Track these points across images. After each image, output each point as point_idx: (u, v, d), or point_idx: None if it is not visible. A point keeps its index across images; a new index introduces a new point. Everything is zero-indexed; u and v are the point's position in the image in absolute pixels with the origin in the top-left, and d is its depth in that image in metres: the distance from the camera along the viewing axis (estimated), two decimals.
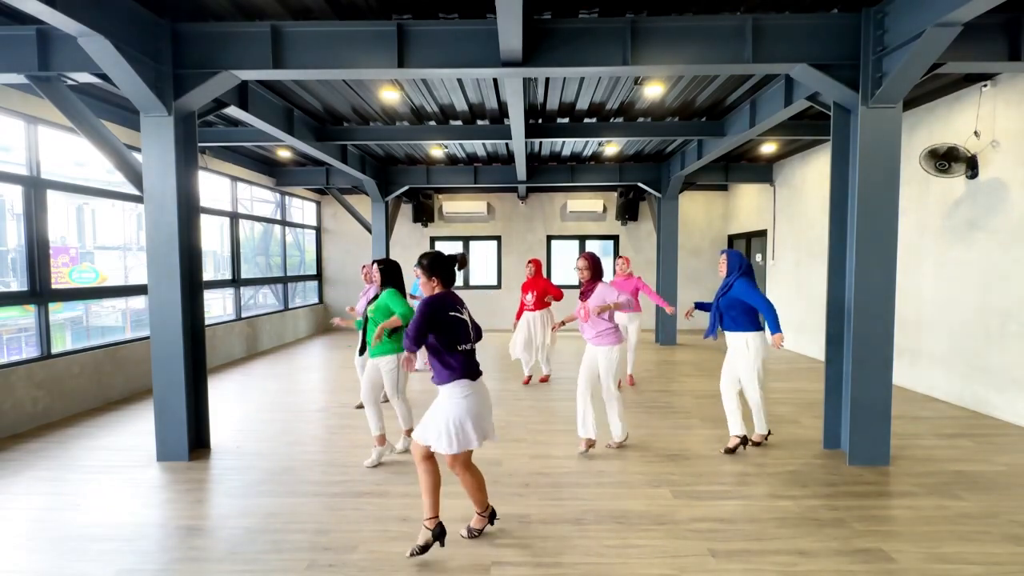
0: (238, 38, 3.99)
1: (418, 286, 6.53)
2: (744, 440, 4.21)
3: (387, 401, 4.39)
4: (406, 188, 9.88)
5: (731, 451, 4.18)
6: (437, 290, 2.75)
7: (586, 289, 4.12)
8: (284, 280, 10.47)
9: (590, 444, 4.18)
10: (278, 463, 4.04)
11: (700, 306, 4.43)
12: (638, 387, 6.36)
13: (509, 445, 4.39)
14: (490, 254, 12.03)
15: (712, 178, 9.53)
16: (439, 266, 2.74)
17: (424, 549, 2.70)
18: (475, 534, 2.92)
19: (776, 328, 3.91)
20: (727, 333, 4.18)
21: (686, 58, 3.98)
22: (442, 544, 2.75)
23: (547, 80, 5.38)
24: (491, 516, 2.98)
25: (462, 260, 2.86)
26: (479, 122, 6.75)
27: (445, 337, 2.64)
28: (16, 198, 5.13)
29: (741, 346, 4.09)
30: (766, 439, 4.35)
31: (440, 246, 11.93)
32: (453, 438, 2.62)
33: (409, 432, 4.13)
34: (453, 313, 2.68)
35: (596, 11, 4.04)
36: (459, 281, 11.72)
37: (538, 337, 6.39)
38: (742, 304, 4.01)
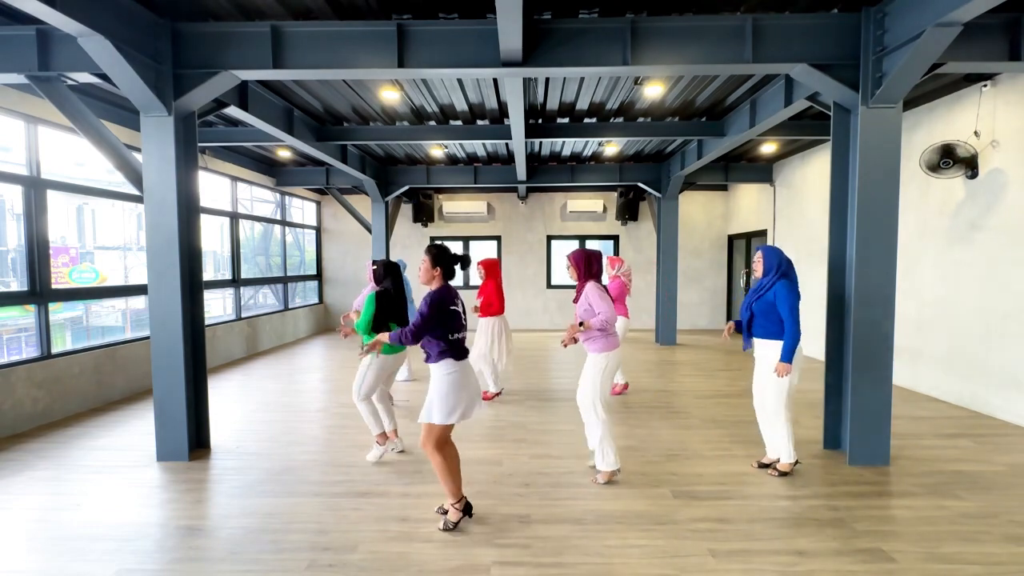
0: (238, 38, 3.99)
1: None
2: (796, 462, 3.77)
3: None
4: (406, 188, 9.88)
5: (765, 466, 3.84)
6: (437, 281, 3.01)
7: (578, 291, 3.65)
8: (284, 280, 10.47)
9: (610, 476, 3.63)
10: (278, 463, 4.04)
11: (741, 325, 3.87)
12: (637, 388, 6.35)
13: (509, 445, 4.39)
14: (490, 254, 12.03)
15: (712, 178, 9.53)
16: (444, 259, 3.01)
17: (456, 524, 2.99)
18: (450, 527, 2.97)
19: (788, 356, 3.48)
20: (756, 340, 3.74)
21: (686, 58, 3.98)
22: (470, 517, 3.06)
23: (547, 80, 5.38)
24: (467, 508, 3.04)
25: (465, 260, 3.10)
26: (479, 122, 6.75)
27: (443, 327, 2.92)
28: (16, 198, 5.13)
29: (772, 357, 3.62)
30: (794, 467, 3.76)
31: None
32: (434, 410, 2.91)
33: (381, 437, 4.06)
34: (453, 307, 2.96)
35: (596, 11, 4.04)
36: (459, 281, 11.87)
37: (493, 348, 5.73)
38: (777, 309, 3.58)
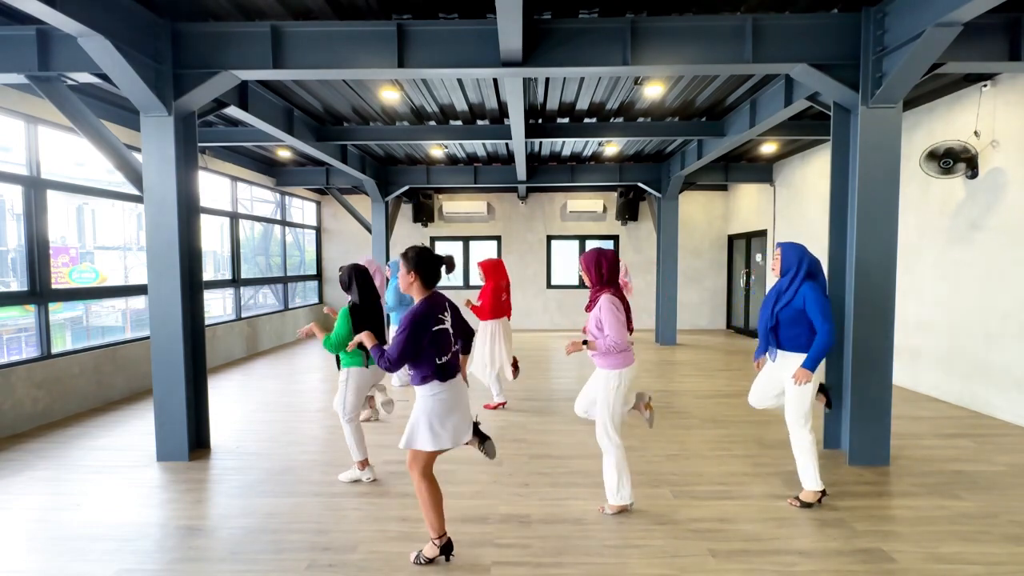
0: (238, 38, 3.99)
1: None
2: (824, 492, 3.32)
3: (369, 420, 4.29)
4: (406, 188, 9.88)
5: (808, 505, 3.27)
6: (415, 287, 2.59)
7: (591, 298, 3.17)
8: (284, 280, 10.47)
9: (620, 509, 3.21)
10: (278, 463, 4.04)
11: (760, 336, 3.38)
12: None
13: (509, 445, 4.39)
14: (490, 254, 12.03)
15: (712, 178, 9.53)
16: (422, 263, 2.58)
17: (431, 561, 2.67)
18: (422, 561, 2.65)
19: (813, 363, 3.06)
20: (780, 352, 3.27)
21: (686, 58, 3.98)
22: (448, 559, 2.68)
23: (547, 80, 5.38)
24: (446, 548, 2.65)
25: (450, 263, 2.70)
26: (479, 122, 6.75)
27: (427, 352, 2.53)
28: (16, 198, 5.13)
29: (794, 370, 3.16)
30: (821, 499, 3.27)
31: (440, 246, 11.94)
32: (416, 435, 2.57)
33: (362, 464, 3.67)
34: (437, 326, 2.55)
35: (596, 11, 4.04)
36: (459, 282, 11.85)
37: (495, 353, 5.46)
38: (807, 317, 3.13)
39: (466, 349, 2.83)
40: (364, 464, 3.68)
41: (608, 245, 11.94)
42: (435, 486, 2.65)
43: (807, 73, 3.97)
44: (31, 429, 4.87)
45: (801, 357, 3.15)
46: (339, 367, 3.65)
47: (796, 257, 3.20)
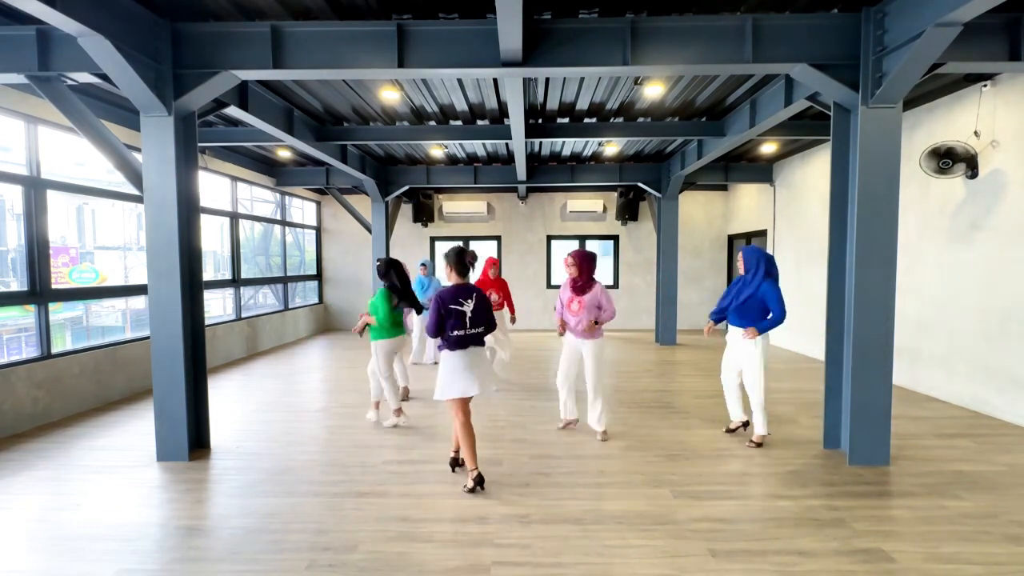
0: (238, 38, 3.99)
1: (420, 284, 7.06)
2: (746, 424, 4.58)
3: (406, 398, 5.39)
4: (406, 188, 9.87)
5: (732, 431, 4.62)
6: (452, 278, 3.52)
7: (583, 284, 4.34)
8: (284, 280, 10.47)
9: (570, 423, 4.75)
10: (278, 463, 4.04)
11: (718, 318, 4.38)
12: (637, 388, 6.35)
13: (509, 445, 4.39)
14: (490, 254, 12.02)
15: (712, 178, 9.53)
16: (453, 260, 3.53)
17: (473, 489, 3.44)
18: (466, 489, 3.48)
19: (763, 329, 4.11)
20: (733, 328, 4.27)
21: (686, 58, 3.98)
22: (482, 488, 3.46)
23: (547, 80, 5.38)
24: (477, 480, 3.44)
25: (472, 257, 3.64)
26: (479, 122, 6.75)
27: (447, 325, 3.43)
28: (16, 198, 5.13)
29: (750, 343, 4.18)
30: (764, 439, 4.36)
31: (440, 246, 11.95)
32: (442, 387, 3.49)
33: (397, 411, 4.84)
34: (454, 305, 3.43)
35: (596, 11, 4.04)
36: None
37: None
38: (763, 304, 4.13)
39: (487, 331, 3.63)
40: (399, 412, 4.81)
41: (608, 245, 11.96)
42: (465, 429, 3.47)
43: (807, 73, 3.97)
44: (31, 429, 4.87)
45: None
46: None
47: (755, 259, 4.18)
